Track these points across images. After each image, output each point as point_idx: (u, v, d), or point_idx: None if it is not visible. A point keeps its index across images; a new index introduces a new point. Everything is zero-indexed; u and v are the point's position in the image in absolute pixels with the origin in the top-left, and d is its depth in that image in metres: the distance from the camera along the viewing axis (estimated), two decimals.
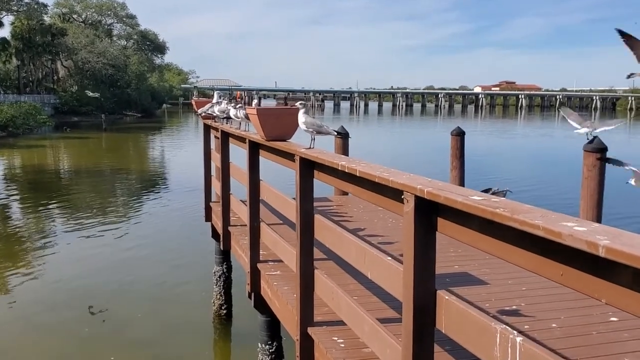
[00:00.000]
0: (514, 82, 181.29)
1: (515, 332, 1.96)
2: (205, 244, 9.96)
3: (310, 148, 3.92)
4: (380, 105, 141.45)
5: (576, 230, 1.55)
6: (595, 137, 6.25)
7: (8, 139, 41.11)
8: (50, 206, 17.78)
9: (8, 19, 66.92)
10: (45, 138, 44.79)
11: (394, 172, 2.78)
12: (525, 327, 3.88)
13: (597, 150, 6.07)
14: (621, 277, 1.46)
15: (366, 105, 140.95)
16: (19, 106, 51.20)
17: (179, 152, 34.98)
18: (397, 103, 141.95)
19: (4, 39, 68.16)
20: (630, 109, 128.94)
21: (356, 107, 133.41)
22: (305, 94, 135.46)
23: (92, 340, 7.98)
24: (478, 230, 2.07)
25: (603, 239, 1.45)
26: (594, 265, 1.55)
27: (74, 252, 12.48)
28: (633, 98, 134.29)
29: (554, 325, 3.94)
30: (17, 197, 20.40)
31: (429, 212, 2.35)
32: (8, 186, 22.82)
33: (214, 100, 7.42)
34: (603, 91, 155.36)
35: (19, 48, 66.09)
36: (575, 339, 3.71)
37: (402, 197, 2.46)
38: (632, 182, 5.33)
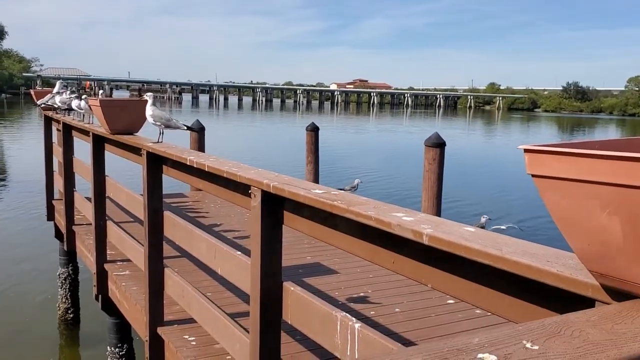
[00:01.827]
0: (366, 81, 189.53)
1: (354, 319, 2.05)
2: (49, 244, 9.26)
3: (158, 142, 3.79)
4: (240, 100, 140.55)
5: (404, 220, 1.65)
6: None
7: None
8: None
9: None
10: None
11: (243, 167, 2.78)
12: (372, 312, 4.08)
13: (436, 145, 6.55)
14: (442, 263, 1.59)
15: (226, 99, 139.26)
16: None
17: (19, 146, 32.10)
18: (257, 98, 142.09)
19: None
20: (469, 107, 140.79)
21: (216, 100, 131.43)
22: (161, 85, 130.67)
23: None
24: (320, 223, 2.13)
25: (427, 227, 1.57)
26: (419, 253, 1.66)
27: None
28: (472, 97, 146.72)
29: (397, 309, 4.19)
30: None
31: (275, 206, 2.38)
32: None
33: (55, 90, 6.90)
34: (446, 90, 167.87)
35: None
36: (415, 322, 3.97)
37: (250, 192, 2.47)
38: None
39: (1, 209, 15.42)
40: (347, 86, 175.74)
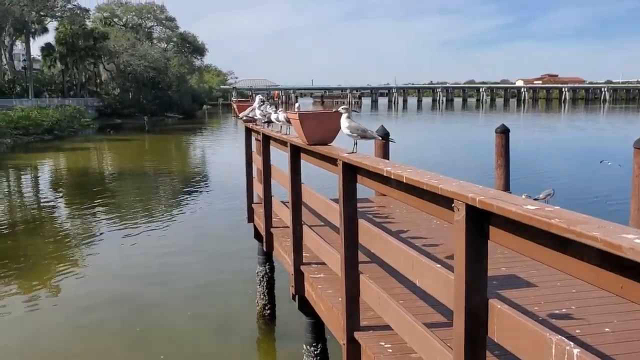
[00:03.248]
0: (556, 75, 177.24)
1: (572, 344, 1.92)
2: (249, 244, 10.04)
3: (353, 152, 3.91)
4: (419, 101, 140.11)
5: (637, 242, 1.51)
6: None
7: (54, 141, 42.42)
8: (95, 208, 18.27)
9: (52, 24, 69.11)
10: (89, 140, 46.00)
11: (443, 179, 2.75)
12: (577, 331, 3.79)
13: None
14: None
15: (405, 101, 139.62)
16: (64, 109, 52.86)
17: (220, 152, 35.43)
18: (437, 98, 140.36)
19: (48, 44, 70.38)
20: None
21: (394, 103, 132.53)
22: (342, 91, 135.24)
23: (141, 339, 8.17)
24: (532, 240, 2.03)
25: None
26: None
27: (119, 252, 12.79)
28: None
29: (606, 329, 3.84)
30: (63, 199, 21.06)
31: (480, 221, 2.32)
32: (55, 188, 23.59)
33: (255, 104, 7.48)
34: None
35: (62, 53, 68.02)
36: (630, 344, 3.60)
37: (453, 205, 2.43)
38: None
39: (208, 210, 17.15)
40: (535, 82, 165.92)
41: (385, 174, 3.23)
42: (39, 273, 11.36)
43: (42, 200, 20.77)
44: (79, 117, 53.98)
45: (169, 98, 75.57)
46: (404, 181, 2.97)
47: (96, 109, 66.22)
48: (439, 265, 2.77)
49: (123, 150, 38.86)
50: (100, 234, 14.76)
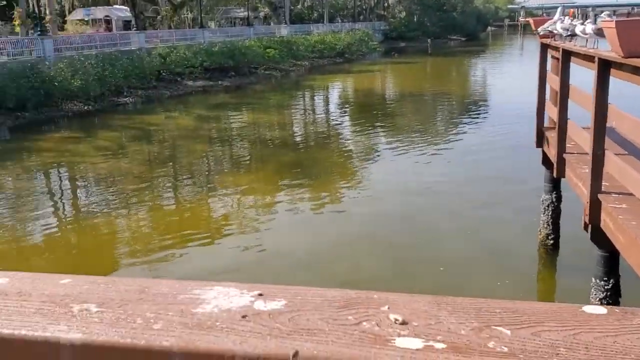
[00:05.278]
0: None
1: None
2: (533, 171, 9.56)
3: None
4: None
5: None
6: None
7: (344, 64, 45.54)
8: (376, 127, 19.33)
9: None
10: (374, 63, 48.21)
11: None
12: None
13: None
14: None
15: None
16: (354, 33, 55.93)
17: (502, 75, 33.99)
18: None
19: None
20: None
21: None
22: None
23: (410, 259, 8.44)
24: None
25: None
26: None
27: (396, 171, 13.40)
28: None
29: None
30: (349, 118, 22.74)
31: None
32: (342, 108, 25.60)
33: (556, 18, 6.89)
34: None
35: None
36: None
37: None
38: None
39: (487, 134, 16.80)
40: None
41: None
42: (325, 183, 12.62)
43: (331, 118, 22.77)
44: (367, 40, 56.66)
45: (453, 20, 74.26)
46: None
47: (382, 33, 68.66)
48: None
49: (405, 73, 39.94)
50: (379, 151, 15.64)
